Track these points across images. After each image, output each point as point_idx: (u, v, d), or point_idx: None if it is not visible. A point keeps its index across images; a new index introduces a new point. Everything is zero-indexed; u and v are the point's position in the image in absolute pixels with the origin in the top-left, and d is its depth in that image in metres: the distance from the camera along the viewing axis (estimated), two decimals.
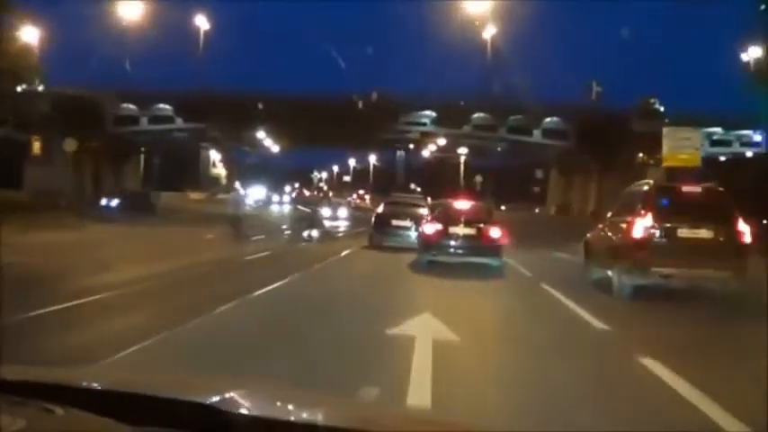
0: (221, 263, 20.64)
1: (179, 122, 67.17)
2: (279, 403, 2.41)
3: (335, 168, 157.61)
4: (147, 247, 24.98)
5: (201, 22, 67.76)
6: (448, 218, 20.82)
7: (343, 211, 62.54)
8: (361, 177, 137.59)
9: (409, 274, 19.40)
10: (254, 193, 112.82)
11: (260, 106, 63.38)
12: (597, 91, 45.25)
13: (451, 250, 20.10)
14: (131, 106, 65.47)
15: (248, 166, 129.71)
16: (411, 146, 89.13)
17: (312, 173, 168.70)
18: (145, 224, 37.17)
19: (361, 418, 2.31)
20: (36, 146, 58.78)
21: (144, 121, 66.49)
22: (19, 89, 56.63)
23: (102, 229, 33.23)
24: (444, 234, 20.15)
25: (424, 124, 69.36)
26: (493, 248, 19.88)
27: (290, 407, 2.34)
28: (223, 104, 61.98)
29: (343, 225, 49.45)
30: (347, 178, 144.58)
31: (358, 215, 56.05)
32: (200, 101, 62.02)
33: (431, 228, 20.67)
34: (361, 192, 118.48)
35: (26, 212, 34.23)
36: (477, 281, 17.72)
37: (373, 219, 29.10)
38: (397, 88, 68.76)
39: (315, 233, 31.77)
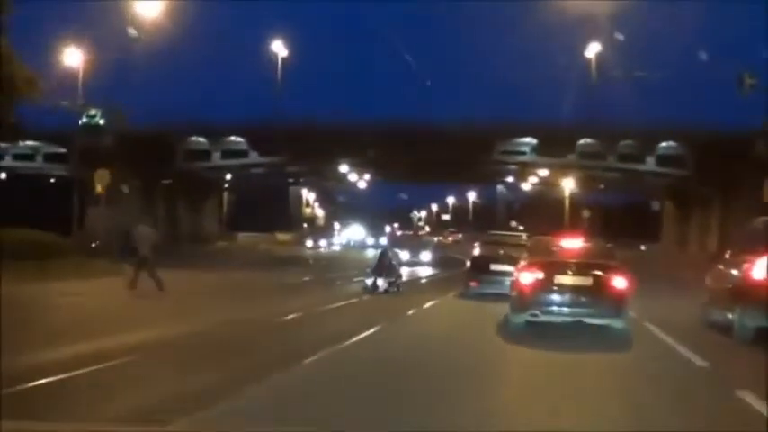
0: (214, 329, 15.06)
1: (254, 156, 62.57)
2: None
3: (434, 207, 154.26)
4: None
5: (279, 48, 63.11)
6: (552, 262, 15.34)
7: (426, 254, 55.29)
8: (459, 215, 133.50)
9: (499, 346, 13.69)
10: (351, 234, 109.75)
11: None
12: (750, 83, 38.47)
13: (556, 308, 14.76)
14: (201, 139, 61.09)
15: (345, 205, 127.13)
16: (510, 179, 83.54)
17: (411, 212, 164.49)
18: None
19: None
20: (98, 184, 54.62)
21: (216, 155, 62.16)
22: (80, 122, 53.17)
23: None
24: (548, 285, 14.71)
25: (524, 153, 63.46)
26: (615, 304, 14.36)
27: None
28: (302, 136, 57.34)
29: (428, 270, 44.49)
30: (446, 216, 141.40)
31: (448, 256, 51.02)
32: (277, 132, 57.43)
33: (529, 277, 15.01)
34: (450, 230, 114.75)
35: (61, 257, 29.95)
36: (605, 366, 11.73)
37: (468, 262, 25.64)
38: (493, 113, 62.63)
39: (381, 282, 25.42)
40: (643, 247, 71.49)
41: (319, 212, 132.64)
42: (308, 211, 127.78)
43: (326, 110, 74.28)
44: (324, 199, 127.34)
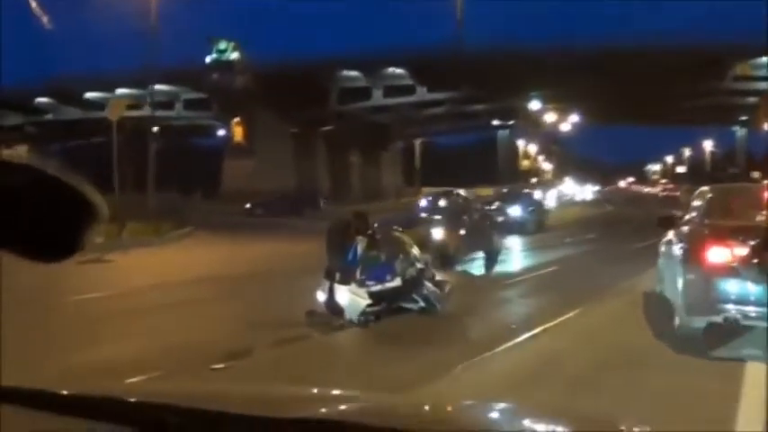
0: None
1: (422, 93, 55.16)
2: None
3: (669, 159, 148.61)
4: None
5: None
6: (756, 228, 9.01)
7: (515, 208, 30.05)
8: (696, 167, 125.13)
9: None
10: (566, 188, 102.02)
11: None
12: None
13: (756, 309, 8.64)
14: (356, 73, 53.98)
15: (569, 157, 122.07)
16: (743, 119, 73.06)
17: (646, 166, 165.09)
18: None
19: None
20: (237, 131, 49.65)
21: (378, 94, 55.19)
22: (207, 59, 48.28)
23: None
24: (751, 268, 8.67)
25: (766, 78, 52.95)
26: None
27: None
28: (485, 66, 49.61)
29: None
30: (681, 169, 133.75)
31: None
32: (452, 62, 49.82)
33: (718, 254, 8.97)
34: (663, 181, 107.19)
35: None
36: None
37: None
38: (720, 26, 52.72)
39: (345, 295, 10.50)
40: None
41: (546, 166, 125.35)
42: (525, 163, 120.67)
43: (506, 33, 65.77)
44: (546, 150, 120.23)
